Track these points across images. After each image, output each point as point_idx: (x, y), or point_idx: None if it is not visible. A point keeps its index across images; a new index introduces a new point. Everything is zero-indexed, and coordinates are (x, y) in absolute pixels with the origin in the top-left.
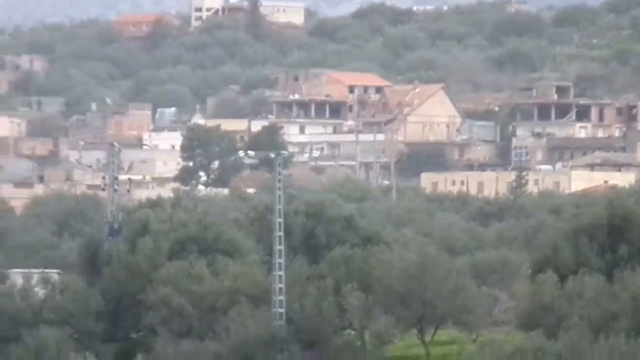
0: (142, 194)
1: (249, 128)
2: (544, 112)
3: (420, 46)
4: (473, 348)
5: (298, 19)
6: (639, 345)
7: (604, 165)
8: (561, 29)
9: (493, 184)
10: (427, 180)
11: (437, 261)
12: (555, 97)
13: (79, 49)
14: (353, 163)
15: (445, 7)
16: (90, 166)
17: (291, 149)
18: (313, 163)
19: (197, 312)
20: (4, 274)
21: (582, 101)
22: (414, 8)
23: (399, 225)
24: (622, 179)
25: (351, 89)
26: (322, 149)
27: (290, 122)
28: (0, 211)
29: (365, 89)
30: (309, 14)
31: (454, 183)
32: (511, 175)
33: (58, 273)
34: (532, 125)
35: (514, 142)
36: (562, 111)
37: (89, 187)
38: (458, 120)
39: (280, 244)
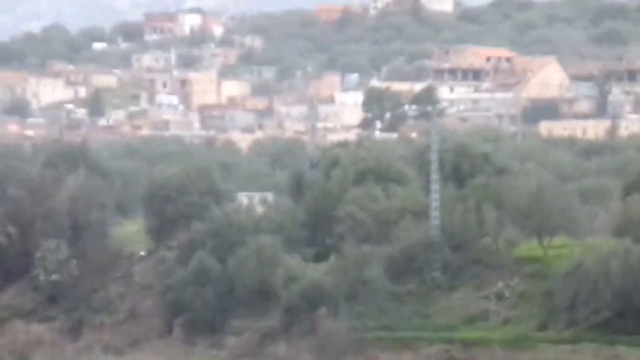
0: (334, 138)
1: (412, 89)
2: (632, 75)
3: (540, 27)
4: (579, 250)
5: (448, 7)
6: None
7: None
8: None
9: (594, 129)
10: (544, 127)
11: (551, 186)
12: None
13: (288, 30)
14: (489, 114)
15: None
16: (296, 118)
17: (443, 104)
18: (460, 115)
19: (375, 224)
20: (233, 196)
21: None
22: None
23: (523, 160)
24: None
25: (488, 60)
26: (466, 104)
27: (443, 84)
28: (231, 150)
29: (499, 59)
30: (456, 3)
31: (564, 129)
32: (607, 123)
33: (272, 195)
34: (623, 85)
35: (610, 98)
36: None
37: (295, 132)
38: (567, 82)
39: (435, 174)
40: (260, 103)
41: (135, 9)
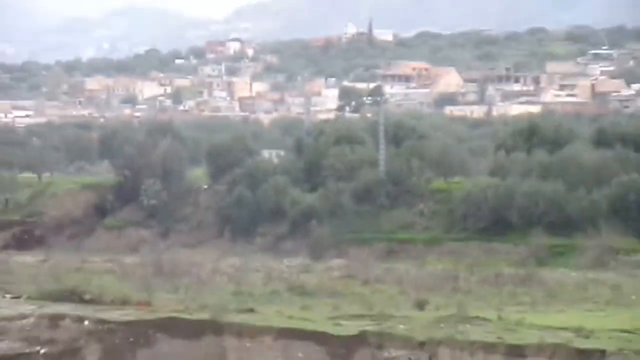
0: (321, 117)
1: (368, 87)
2: (500, 79)
3: (445, 49)
4: (469, 185)
5: (390, 37)
6: None
7: None
8: None
9: (477, 112)
10: (448, 110)
11: (452, 146)
12: None
13: (293, 52)
14: (415, 102)
15: None
16: (298, 105)
17: (387, 96)
18: (396, 103)
19: (346, 170)
20: (259, 152)
21: None
22: None
23: (435, 130)
24: None
25: (414, 69)
26: (400, 96)
27: (386, 84)
28: (258, 125)
29: (420, 69)
30: (394, 35)
31: (460, 111)
32: (485, 108)
33: (283, 152)
34: (495, 85)
35: (487, 93)
36: None
37: (297, 114)
38: (461, 83)
39: (382, 139)
40: (276, 96)
41: (201, 39)
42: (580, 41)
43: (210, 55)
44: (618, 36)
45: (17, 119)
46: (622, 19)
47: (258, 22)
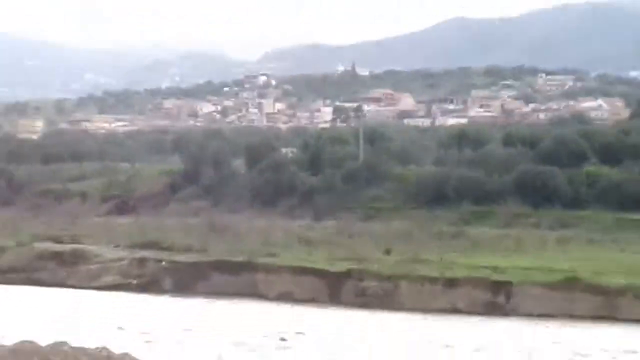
0: (321, 125)
1: (352, 106)
2: (442, 101)
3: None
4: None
5: (366, 72)
6: None
7: None
8: None
9: (426, 123)
10: (405, 122)
11: (413, 145)
12: None
13: (303, 83)
14: (383, 117)
15: None
16: (306, 118)
17: (365, 112)
18: (370, 116)
19: (337, 160)
20: (280, 149)
21: None
22: None
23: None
24: None
25: (382, 95)
26: (373, 112)
27: (364, 104)
28: (279, 131)
29: (386, 94)
30: (370, 71)
31: (414, 122)
32: (430, 120)
33: (295, 150)
34: (437, 106)
35: (432, 110)
36: None
37: (305, 124)
38: (414, 104)
39: (361, 140)
40: (290, 112)
41: (241, 74)
42: (494, 75)
43: (247, 85)
44: (518, 72)
45: (118, 128)
46: (521, 60)
47: (279, 62)
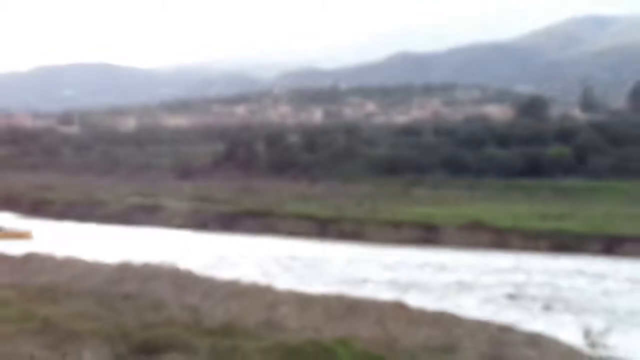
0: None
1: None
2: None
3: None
4: None
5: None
6: None
7: None
8: None
9: None
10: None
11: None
12: None
13: (307, 96)
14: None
15: None
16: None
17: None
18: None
19: (333, 145)
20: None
21: None
22: None
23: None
24: None
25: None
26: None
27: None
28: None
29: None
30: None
31: None
32: None
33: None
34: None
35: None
36: None
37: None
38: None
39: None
40: (295, 113)
41: (263, 87)
42: (428, 89)
43: (266, 95)
44: (443, 87)
45: (182, 124)
46: (445, 79)
47: (288, 80)
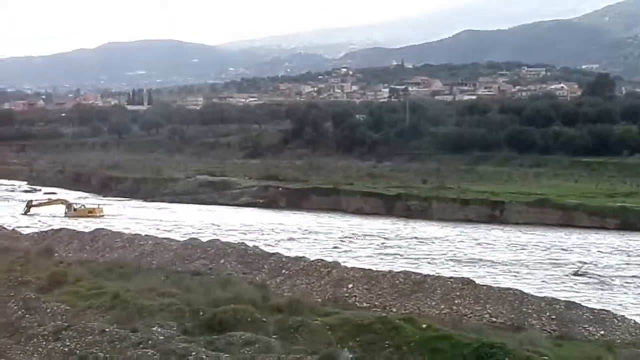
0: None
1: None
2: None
3: None
4: None
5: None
6: None
7: None
8: None
9: None
10: None
11: None
12: None
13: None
14: None
15: None
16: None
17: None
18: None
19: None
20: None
21: None
22: None
23: None
24: None
25: None
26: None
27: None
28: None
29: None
30: None
31: None
32: None
33: None
34: None
35: None
36: None
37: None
38: None
39: None
40: (361, 92)
41: (329, 67)
42: (493, 68)
43: (333, 74)
44: (508, 65)
45: (250, 102)
46: (510, 58)
47: (354, 59)
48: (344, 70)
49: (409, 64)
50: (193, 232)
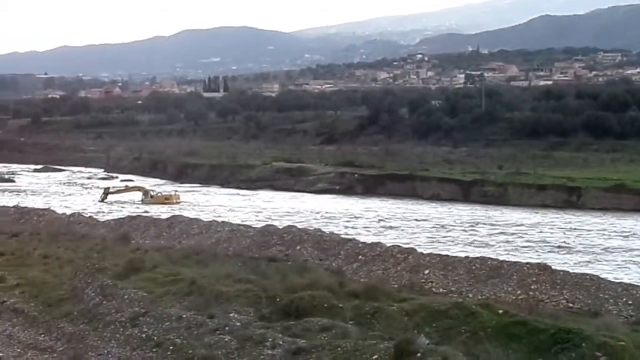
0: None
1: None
2: None
3: None
4: None
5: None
6: None
7: None
8: None
9: None
10: None
11: None
12: None
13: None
14: None
15: None
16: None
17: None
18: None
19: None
20: None
21: None
22: None
23: None
24: None
25: None
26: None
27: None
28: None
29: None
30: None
31: None
32: None
33: None
34: None
35: None
36: None
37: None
38: None
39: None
40: (437, 77)
41: (404, 53)
42: (569, 53)
43: (409, 60)
44: (585, 50)
45: (326, 88)
46: (587, 43)
47: (430, 45)
48: (420, 56)
49: (484, 49)
50: (270, 218)
